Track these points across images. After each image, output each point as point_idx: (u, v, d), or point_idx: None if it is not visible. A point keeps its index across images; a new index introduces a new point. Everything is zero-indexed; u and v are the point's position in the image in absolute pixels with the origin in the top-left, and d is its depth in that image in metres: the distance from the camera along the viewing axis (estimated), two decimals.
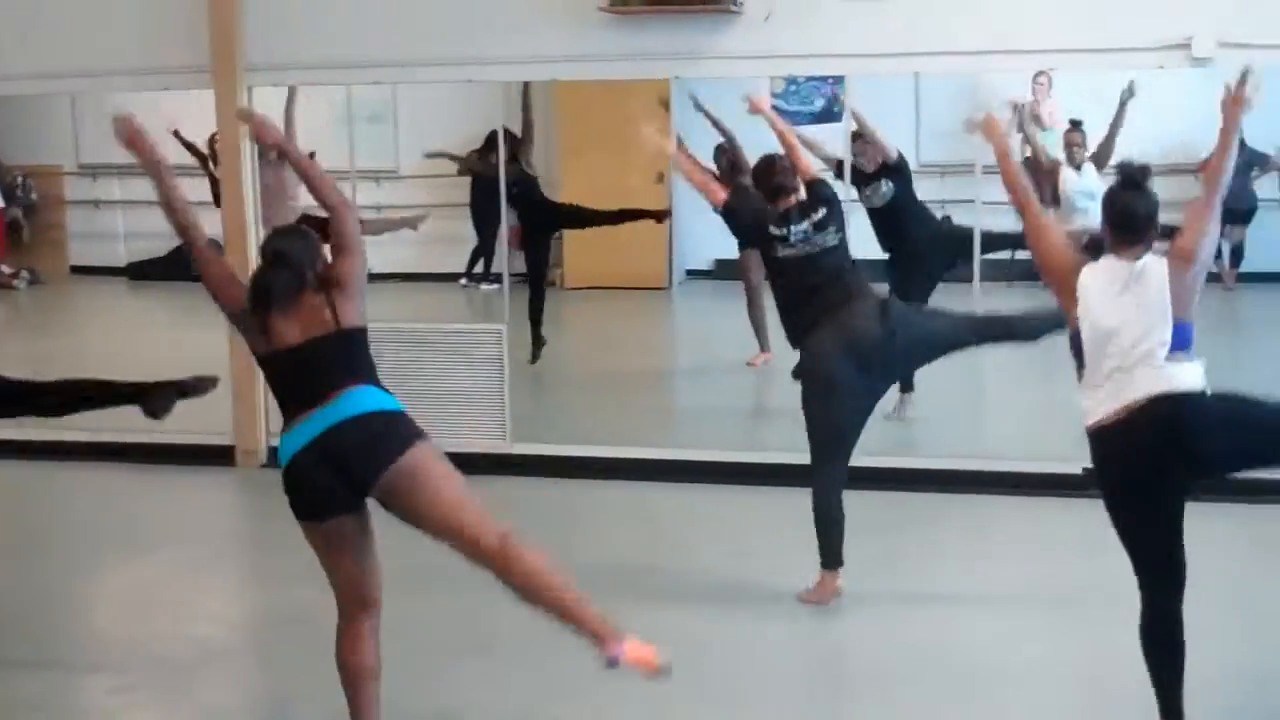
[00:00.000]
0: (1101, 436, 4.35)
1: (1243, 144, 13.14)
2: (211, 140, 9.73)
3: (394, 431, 4.39)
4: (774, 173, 6.31)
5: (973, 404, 9.16)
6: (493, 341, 8.43)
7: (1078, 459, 7.48)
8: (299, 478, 4.38)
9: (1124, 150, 12.97)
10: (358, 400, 4.40)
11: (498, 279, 10.75)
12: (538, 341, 10.64)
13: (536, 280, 10.85)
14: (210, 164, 9.96)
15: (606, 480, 8.07)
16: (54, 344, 13.38)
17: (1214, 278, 13.37)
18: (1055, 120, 12.70)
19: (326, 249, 4.63)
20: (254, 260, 8.50)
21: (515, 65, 8.25)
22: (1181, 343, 4.30)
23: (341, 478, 4.33)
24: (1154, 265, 4.37)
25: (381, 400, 4.45)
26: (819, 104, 13.15)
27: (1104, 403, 4.33)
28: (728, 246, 9.50)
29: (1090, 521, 7.26)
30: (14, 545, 5.42)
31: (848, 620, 5.96)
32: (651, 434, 8.86)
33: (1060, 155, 13.04)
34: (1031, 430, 8.67)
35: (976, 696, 5.12)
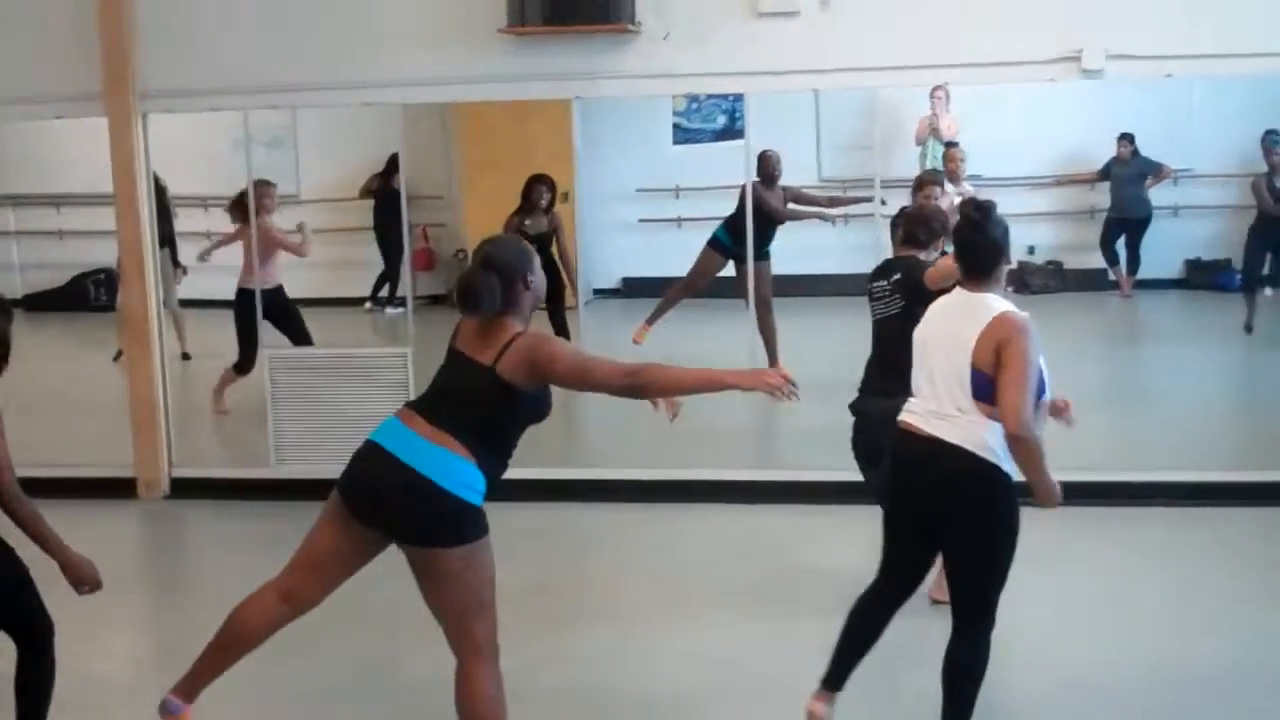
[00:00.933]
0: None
1: (1136, 153, 13.48)
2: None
3: (434, 517, 4.24)
4: None
5: None
6: (398, 366, 8.35)
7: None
8: (364, 455, 4.40)
9: (1019, 160, 13.32)
10: (439, 459, 4.25)
11: (403, 302, 10.67)
12: None
13: None
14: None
15: (517, 502, 8.01)
16: None
17: (1112, 285, 13.75)
18: (954, 133, 12.88)
19: None
20: (151, 282, 8.43)
21: (414, 87, 8.20)
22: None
23: (370, 495, 4.32)
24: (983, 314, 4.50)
25: (450, 477, 4.24)
26: (720, 121, 13.23)
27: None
28: (636, 265, 9.56)
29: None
30: None
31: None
32: (560, 453, 8.82)
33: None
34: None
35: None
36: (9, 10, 8.40)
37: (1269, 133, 12.43)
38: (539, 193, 10.44)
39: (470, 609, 4.27)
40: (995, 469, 4.38)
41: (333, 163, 13.88)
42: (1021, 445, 4.28)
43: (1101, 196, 13.82)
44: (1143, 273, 13.74)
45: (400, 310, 12.56)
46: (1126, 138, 13.48)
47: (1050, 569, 6.47)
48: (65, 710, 5.52)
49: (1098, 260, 13.83)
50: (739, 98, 10.98)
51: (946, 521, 4.48)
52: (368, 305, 13.96)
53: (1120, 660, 5.64)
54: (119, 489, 8.37)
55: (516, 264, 4.36)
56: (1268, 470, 7.86)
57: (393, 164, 12.17)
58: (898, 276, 5.96)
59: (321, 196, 14.11)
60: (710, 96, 12.69)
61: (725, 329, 9.87)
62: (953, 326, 4.50)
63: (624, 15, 7.71)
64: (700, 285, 10.21)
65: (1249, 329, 11.59)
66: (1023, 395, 4.26)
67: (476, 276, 4.31)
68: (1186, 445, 8.68)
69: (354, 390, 8.34)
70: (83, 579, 4.56)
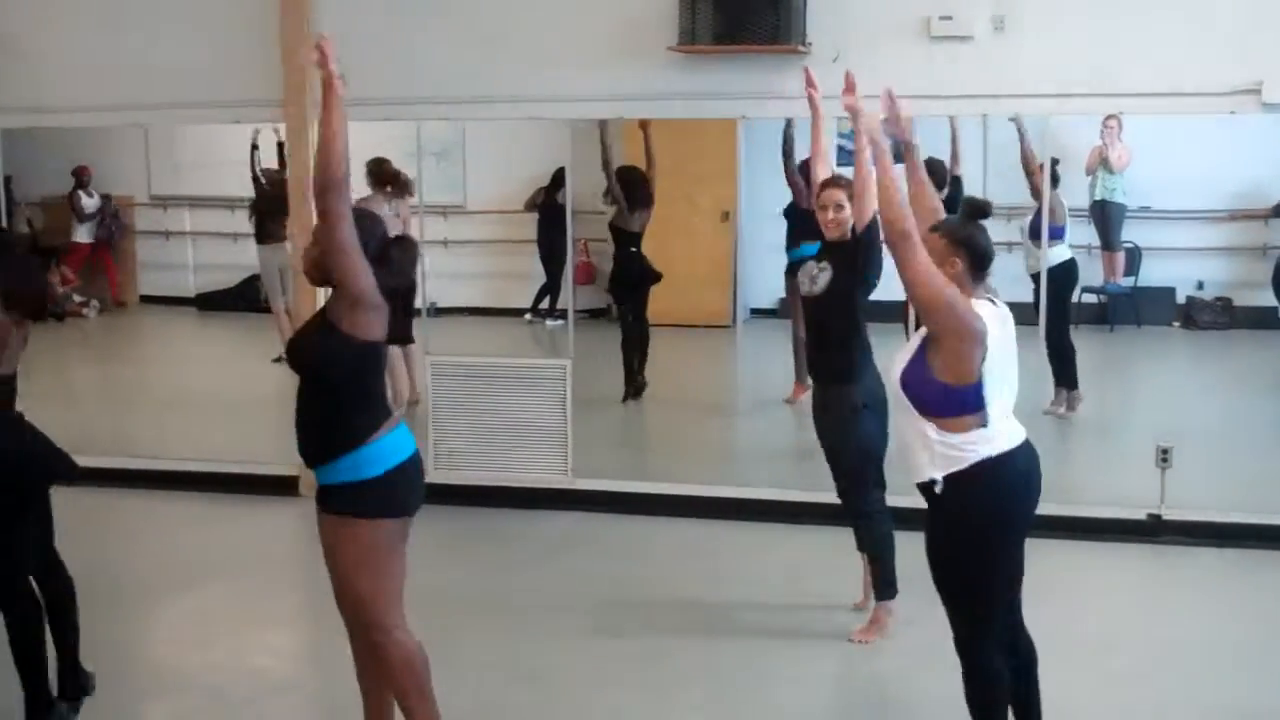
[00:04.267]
0: (995, 466, 4.29)
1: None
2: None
3: None
4: None
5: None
6: (557, 377, 8.44)
7: (1143, 504, 7.56)
8: (420, 469, 4.57)
9: (1190, 193, 12.99)
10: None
11: (564, 315, 10.79)
12: (630, 380, 10.68)
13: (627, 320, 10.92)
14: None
15: (667, 517, 8.06)
16: (122, 370, 13.58)
17: None
18: (1125, 164, 12.63)
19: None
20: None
21: (583, 103, 8.28)
22: None
23: None
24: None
25: None
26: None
27: (992, 439, 4.30)
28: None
29: (1153, 570, 7.25)
30: (75, 572, 5.47)
31: (905, 660, 5.91)
32: (713, 471, 8.84)
33: (1124, 200, 13.03)
34: (1095, 475, 8.61)
35: None
36: (194, 17, 8.69)
37: None
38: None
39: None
40: None
41: (499, 176, 14.10)
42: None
43: (1275, 233, 13.42)
44: None
45: (560, 323, 12.69)
46: None
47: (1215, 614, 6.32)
48: (222, 701, 5.69)
49: (1269, 298, 13.42)
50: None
51: None
52: (528, 317, 14.12)
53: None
54: (281, 486, 8.59)
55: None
56: None
57: (558, 179, 12.33)
58: None
59: (487, 208, 14.34)
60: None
61: None
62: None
63: (794, 36, 7.70)
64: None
65: None
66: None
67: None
68: None
69: (514, 399, 8.46)
70: None
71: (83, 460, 8.58)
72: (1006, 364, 4.35)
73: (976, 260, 4.33)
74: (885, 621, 6.18)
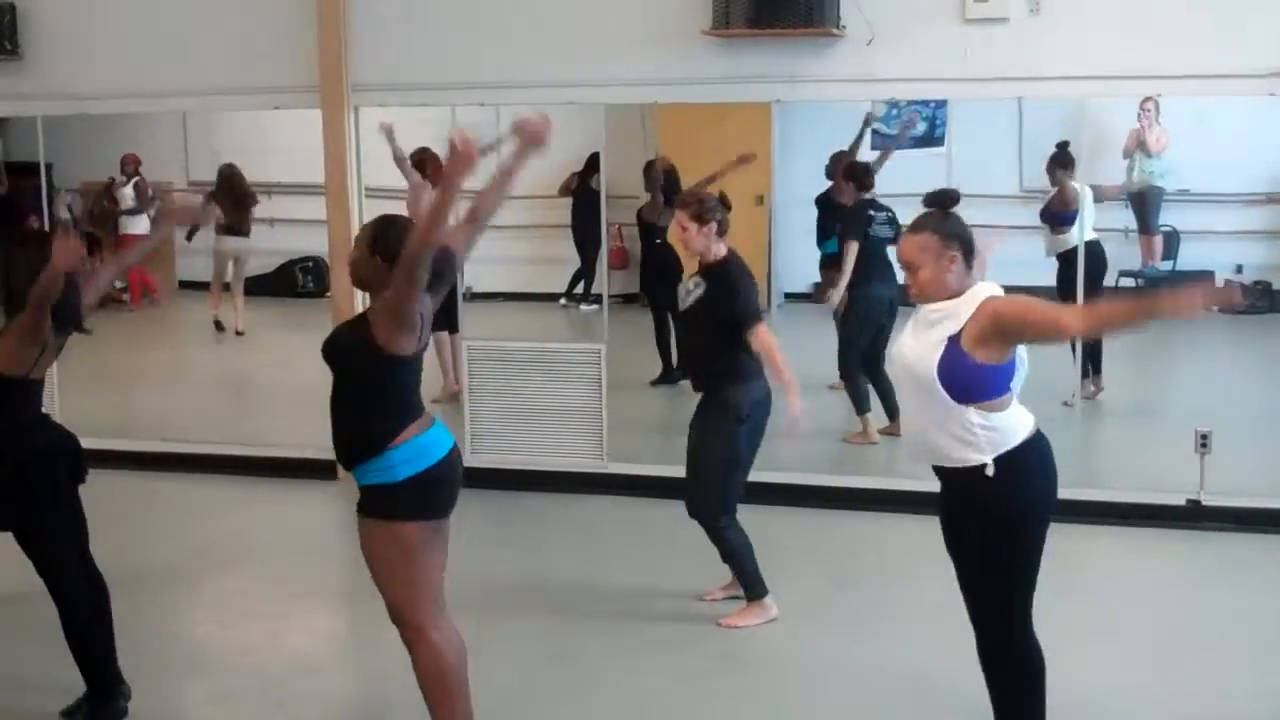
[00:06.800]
0: (1034, 446, 4.32)
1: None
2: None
3: None
4: None
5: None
6: (592, 361, 8.47)
7: (1183, 490, 7.53)
8: (454, 470, 4.56)
9: (1229, 176, 12.88)
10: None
11: (598, 299, 10.80)
12: (667, 367, 10.70)
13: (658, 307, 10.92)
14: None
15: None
16: (161, 355, 13.68)
17: None
18: (1162, 147, 12.54)
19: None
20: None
21: (618, 87, 8.29)
22: None
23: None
24: None
25: None
26: (920, 128, 13.08)
27: (1024, 419, 4.33)
28: None
29: (1192, 555, 7.22)
30: (117, 553, 5.52)
31: (939, 646, 5.90)
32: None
33: (1162, 184, 12.92)
34: (1134, 460, 8.58)
35: None
36: (232, 3, 8.74)
37: None
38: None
39: None
40: None
41: (533, 161, 14.07)
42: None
43: None
44: None
45: (595, 307, 12.71)
46: None
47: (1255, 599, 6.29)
48: (262, 681, 5.74)
49: None
50: (940, 104, 10.87)
51: None
52: (563, 301, 14.15)
53: None
54: (321, 470, 8.64)
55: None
56: None
57: (592, 163, 12.34)
58: None
59: (521, 193, 14.32)
60: (911, 102, 12.55)
61: None
62: None
63: (829, 19, 7.68)
64: None
65: None
66: None
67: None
68: None
69: (549, 383, 8.49)
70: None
71: (123, 444, 8.78)
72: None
73: (968, 249, 4.34)
74: (759, 614, 6.18)
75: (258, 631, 6.36)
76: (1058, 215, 9.78)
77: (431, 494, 4.49)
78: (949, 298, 4.26)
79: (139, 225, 14.52)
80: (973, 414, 4.23)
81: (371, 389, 4.46)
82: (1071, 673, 5.46)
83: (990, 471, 4.24)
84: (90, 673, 5.19)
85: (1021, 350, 4.31)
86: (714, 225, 6.10)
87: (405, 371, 4.50)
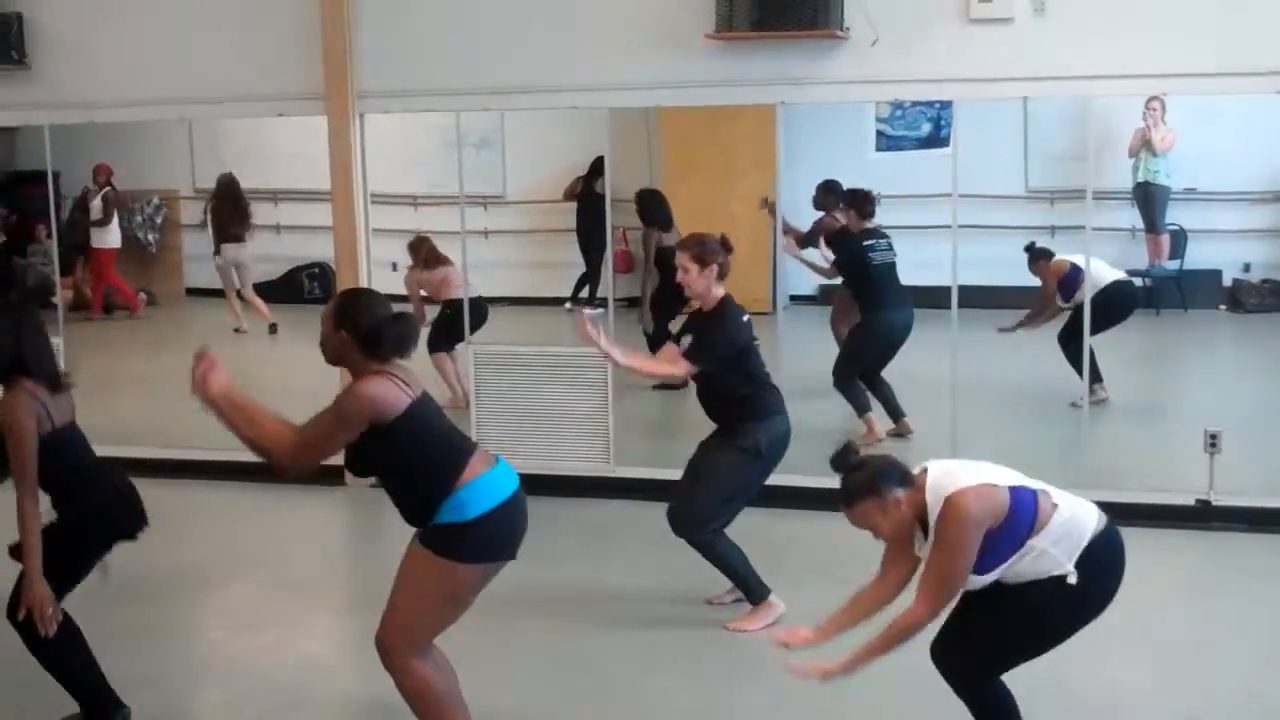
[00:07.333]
0: (1106, 537, 4.29)
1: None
2: None
3: None
4: None
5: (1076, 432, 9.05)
6: (598, 365, 8.46)
7: (1192, 490, 7.51)
8: (519, 511, 4.54)
9: (1236, 174, 12.85)
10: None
11: (603, 303, 10.80)
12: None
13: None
14: None
15: None
16: (169, 362, 13.67)
17: None
18: (1169, 145, 12.52)
19: None
20: (364, 278, 8.71)
21: (621, 91, 8.29)
22: None
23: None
24: None
25: None
26: (925, 129, 13.08)
27: (1086, 511, 4.29)
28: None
29: (1201, 555, 7.19)
30: (126, 561, 5.52)
31: None
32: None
33: (1167, 182, 12.88)
34: (1144, 461, 8.56)
35: None
36: (237, 12, 8.76)
37: None
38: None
39: None
40: None
41: (538, 165, 14.11)
42: None
43: None
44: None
45: (600, 311, 12.70)
46: None
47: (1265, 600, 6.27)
48: (272, 687, 5.74)
49: None
50: (945, 105, 10.85)
51: None
52: (568, 305, 14.14)
53: None
54: (329, 475, 8.59)
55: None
56: None
57: (596, 167, 12.34)
58: None
59: (526, 198, 14.36)
60: (915, 103, 12.55)
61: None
62: None
63: (833, 21, 7.68)
64: None
65: None
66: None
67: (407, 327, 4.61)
68: None
69: (554, 388, 8.50)
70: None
71: (131, 451, 8.75)
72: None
73: (901, 478, 4.28)
74: (767, 614, 6.19)
75: (266, 638, 6.36)
76: (1065, 287, 9.69)
77: (497, 535, 4.47)
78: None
79: (106, 237, 14.48)
80: (1035, 542, 4.15)
81: (405, 455, 4.42)
82: (1080, 674, 5.46)
83: (1074, 579, 4.16)
84: (76, 693, 5.13)
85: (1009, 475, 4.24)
86: (715, 269, 6.12)
87: (419, 420, 4.43)
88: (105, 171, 14.32)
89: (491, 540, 4.45)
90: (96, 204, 14.31)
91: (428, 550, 4.43)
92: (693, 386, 6.43)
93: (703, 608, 6.42)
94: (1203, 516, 7.55)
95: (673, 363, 6.12)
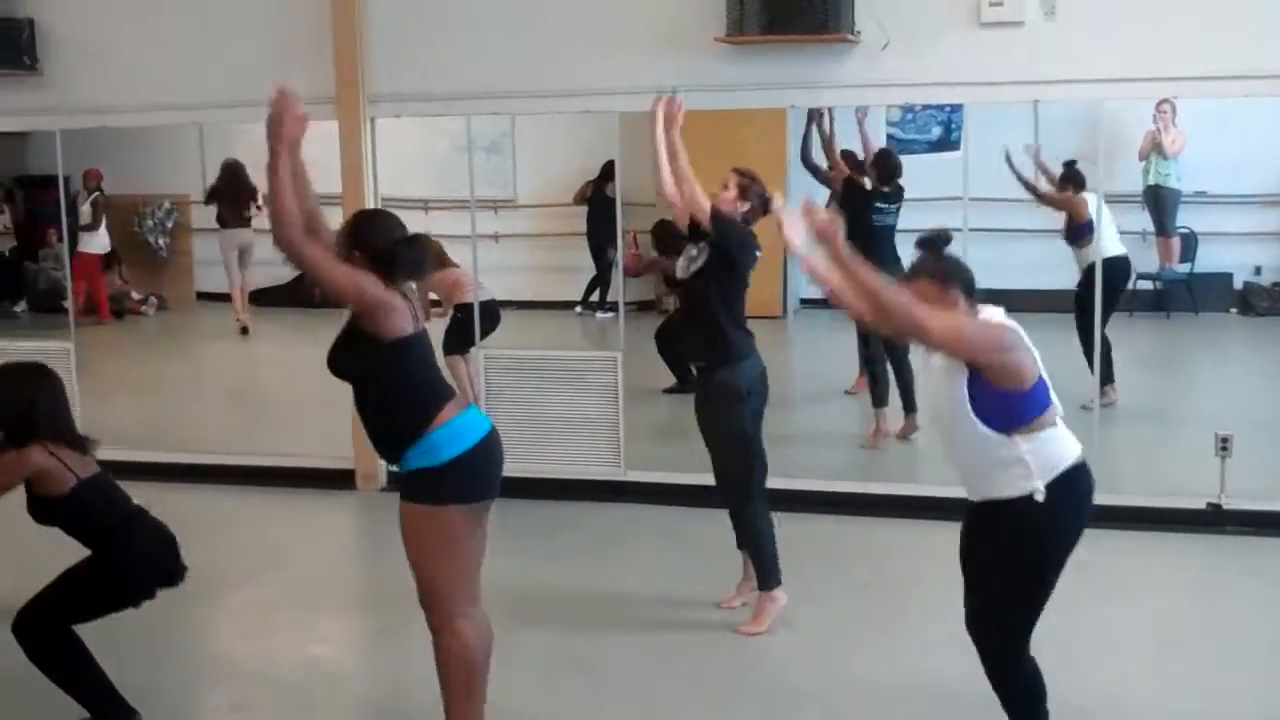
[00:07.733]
0: (1083, 472, 4.34)
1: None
2: None
3: None
4: None
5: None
6: (608, 369, 8.46)
7: (1203, 494, 7.50)
8: (495, 452, 4.60)
9: (1246, 177, 12.84)
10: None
11: (614, 307, 10.81)
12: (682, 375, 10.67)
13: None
14: None
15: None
16: (180, 366, 13.71)
17: None
18: (1179, 148, 12.51)
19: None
20: None
21: (632, 95, 8.27)
22: None
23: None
24: None
25: None
26: (935, 132, 13.07)
27: (1071, 442, 4.35)
28: None
29: (1212, 559, 7.18)
30: None
31: (964, 654, 5.88)
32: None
33: (1178, 185, 12.88)
34: (1154, 465, 8.54)
35: None
36: (247, 16, 8.77)
37: None
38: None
39: None
40: None
41: (549, 169, 14.13)
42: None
43: None
44: None
45: (610, 315, 12.71)
46: None
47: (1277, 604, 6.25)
48: (283, 691, 5.75)
49: None
50: (955, 108, 10.85)
51: None
52: (579, 309, 14.16)
53: None
54: (339, 480, 8.66)
55: None
56: None
57: (607, 171, 12.35)
58: None
59: (537, 202, 14.38)
60: (926, 107, 12.54)
61: None
62: None
63: (843, 25, 7.66)
64: None
65: None
66: None
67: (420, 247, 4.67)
68: None
69: (565, 391, 8.49)
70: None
71: (143, 455, 8.79)
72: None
73: (968, 287, 4.36)
74: (770, 609, 6.19)
75: (278, 641, 6.36)
76: (1076, 229, 9.72)
77: (475, 475, 4.53)
78: None
79: (93, 242, 14.49)
80: (1019, 440, 4.22)
81: (392, 379, 4.47)
82: (1093, 677, 5.46)
83: (1041, 497, 4.22)
84: (85, 702, 5.13)
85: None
86: (748, 206, 6.25)
87: (416, 350, 4.50)
88: (95, 177, 14.38)
89: (470, 480, 4.52)
90: (85, 209, 14.36)
91: (412, 503, 4.50)
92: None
93: (711, 612, 6.42)
94: (1214, 520, 7.53)
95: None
